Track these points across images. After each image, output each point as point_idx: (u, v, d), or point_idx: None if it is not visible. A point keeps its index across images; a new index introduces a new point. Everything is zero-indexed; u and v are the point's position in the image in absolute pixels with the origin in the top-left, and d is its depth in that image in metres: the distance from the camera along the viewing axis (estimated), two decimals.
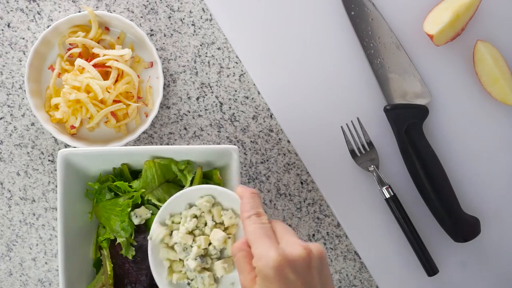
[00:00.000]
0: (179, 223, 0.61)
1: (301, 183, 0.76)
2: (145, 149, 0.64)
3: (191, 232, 0.61)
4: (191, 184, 0.65)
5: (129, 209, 0.64)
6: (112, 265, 0.67)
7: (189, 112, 0.76)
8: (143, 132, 0.75)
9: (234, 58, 0.76)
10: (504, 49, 0.73)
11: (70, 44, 0.73)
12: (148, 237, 0.61)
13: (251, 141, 0.76)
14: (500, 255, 0.75)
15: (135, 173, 0.68)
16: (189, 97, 0.76)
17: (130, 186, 0.66)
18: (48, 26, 0.75)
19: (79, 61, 0.71)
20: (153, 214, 0.65)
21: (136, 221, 0.64)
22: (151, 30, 0.76)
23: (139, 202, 0.65)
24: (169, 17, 0.76)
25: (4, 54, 0.76)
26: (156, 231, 0.61)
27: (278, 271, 0.48)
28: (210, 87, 0.76)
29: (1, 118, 0.76)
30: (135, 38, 0.75)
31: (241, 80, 0.76)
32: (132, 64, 0.75)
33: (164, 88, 0.75)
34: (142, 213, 0.65)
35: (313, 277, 0.49)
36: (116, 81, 0.72)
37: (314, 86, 0.75)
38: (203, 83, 0.76)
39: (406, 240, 0.73)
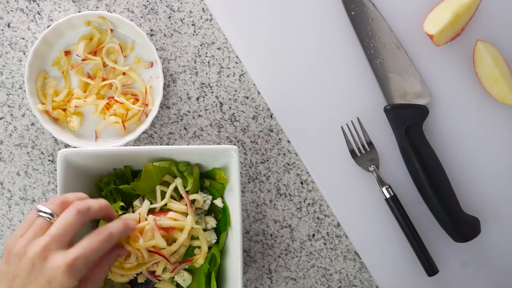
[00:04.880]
0: None
1: (301, 183, 0.76)
2: (145, 149, 0.64)
3: None
4: (191, 185, 0.65)
5: None
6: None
7: (189, 112, 0.76)
8: (143, 132, 0.75)
9: (234, 58, 0.76)
10: (504, 49, 0.73)
11: (82, 60, 0.74)
12: None
13: (251, 141, 0.76)
14: (500, 255, 0.75)
15: (135, 173, 0.68)
16: (189, 97, 0.76)
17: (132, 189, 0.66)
18: (48, 26, 0.75)
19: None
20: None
21: None
22: (151, 30, 0.76)
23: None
24: (169, 17, 0.76)
25: (4, 54, 0.76)
26: None
27: None
28: (210, 87, 0.76)
29: (1, 118, 0.76)
30: (135, 38, 0.75)
31: (241, 80, 0.76)
32: (132, 64, 0.75)
33: (164, 88, 0.75)
34: None
35: None
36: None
37: (314, 86, 0.75)
38: (203, 83, 0.76)
39: (406, 240, 0.73)
